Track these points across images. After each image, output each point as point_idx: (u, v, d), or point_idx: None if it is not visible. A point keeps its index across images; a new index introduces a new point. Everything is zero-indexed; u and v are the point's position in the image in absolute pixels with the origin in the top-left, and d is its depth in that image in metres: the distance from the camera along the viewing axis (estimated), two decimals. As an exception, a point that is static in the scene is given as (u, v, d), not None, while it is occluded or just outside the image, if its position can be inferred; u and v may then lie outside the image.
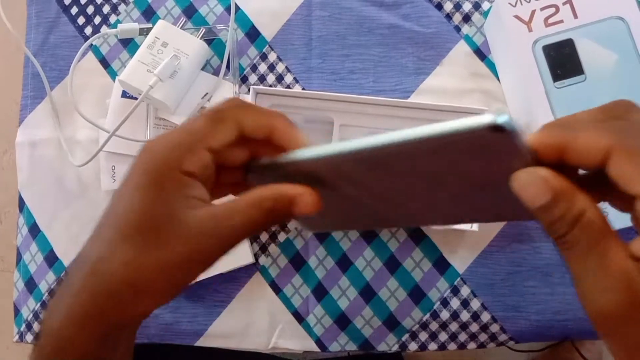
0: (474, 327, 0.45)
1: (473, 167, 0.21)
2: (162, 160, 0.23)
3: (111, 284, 0.22)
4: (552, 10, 0.42)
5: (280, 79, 0.49)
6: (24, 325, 0.49)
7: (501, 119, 0.18)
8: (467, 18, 0.48)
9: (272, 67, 0.49)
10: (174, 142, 0.23)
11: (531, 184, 0.19)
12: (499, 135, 0.18)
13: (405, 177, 0.22)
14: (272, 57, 0.49)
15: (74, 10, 0.52)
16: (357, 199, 0.25)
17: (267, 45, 0.49)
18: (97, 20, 0.52)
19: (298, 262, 0.46)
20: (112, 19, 0.51)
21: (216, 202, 0.24)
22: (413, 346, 0.45)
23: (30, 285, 0.49)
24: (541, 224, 0.20)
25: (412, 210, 0.25)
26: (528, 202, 0.19)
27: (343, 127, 0.45)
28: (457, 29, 0.48)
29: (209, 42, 0.49)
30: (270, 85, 0.49)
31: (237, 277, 0.47)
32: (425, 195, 0.24)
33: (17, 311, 0.50)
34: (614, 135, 0.19)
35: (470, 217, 0.26)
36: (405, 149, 0.20)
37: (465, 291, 0.45)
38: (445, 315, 0.45)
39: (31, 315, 0.49)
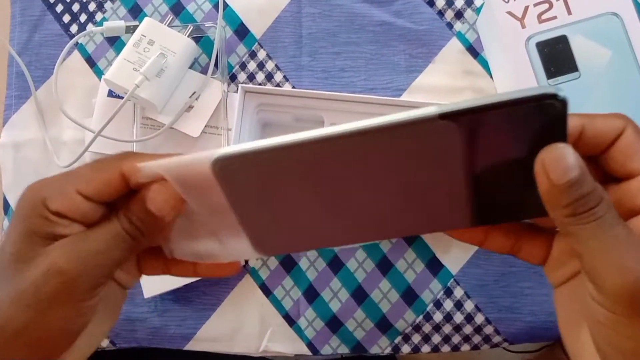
0: (468, 329, 0.44)
1: (505, 144, 0.20)
2: (30, 198, 0.23)
3: None
4: (546, 6, 0.41)
5: (269, 77, 0.48)
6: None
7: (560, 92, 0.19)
8: (459, 15, 0.47)
9: (261, 65, 0.48)
10: (45, 182, 0.24)
11: (564, 157, 0.19)
12: (560, 105, 0.19)
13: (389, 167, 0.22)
14: (261, 55, 0.48)
15: (59, 8, 0.51)
16: (311, 203, 0.23)
17: (257, 43, 0.48)
18: (83, 18, 0.51)
19: (289, 264, 0.46)
20: (98, 16, 0.50)
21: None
22: (406, 349, 0.45)
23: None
24: (555, 203, 0.20)
25: (371, 217, 0.24)
26: (558, 175, 0.19)
27: (334, 126, 0.44)
28: (450, 25, 0.47)
29: (197, 39, 0.48)
30: (260, 84, 0.48)
31: (227, 280, 0.46)
32: (394, 193, 0.23)
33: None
34: (626, 120, 0.22)
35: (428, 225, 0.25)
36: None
37: (458, 292, 0.44)
38: (438, 317, 0.44)
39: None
